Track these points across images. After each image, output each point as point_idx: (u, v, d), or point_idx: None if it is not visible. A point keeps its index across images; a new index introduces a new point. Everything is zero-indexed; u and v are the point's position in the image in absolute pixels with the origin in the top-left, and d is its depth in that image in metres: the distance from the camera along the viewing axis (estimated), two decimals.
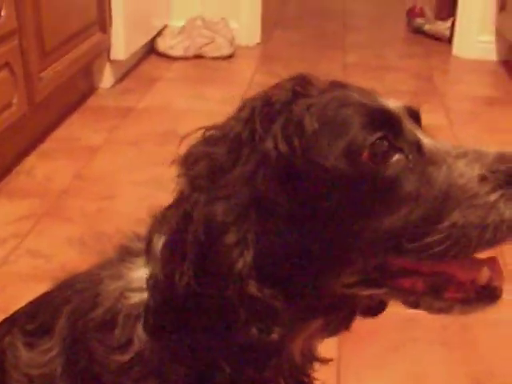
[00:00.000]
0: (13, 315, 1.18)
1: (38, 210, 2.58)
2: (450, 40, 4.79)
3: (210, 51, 4.44)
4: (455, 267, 0.90)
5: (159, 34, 4.52)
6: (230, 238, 0.85)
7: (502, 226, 0.85)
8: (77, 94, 3.62)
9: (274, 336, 0.87)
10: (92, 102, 3.69)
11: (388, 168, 0.87)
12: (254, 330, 0.86)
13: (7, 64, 2.61)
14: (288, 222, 0.87)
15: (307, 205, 0.87)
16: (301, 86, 0.95)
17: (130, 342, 0.95)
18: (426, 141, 0.91)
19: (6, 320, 1.18)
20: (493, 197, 0.85)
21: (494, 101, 3.93)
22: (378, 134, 0.87)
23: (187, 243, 0.86)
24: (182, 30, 4.50)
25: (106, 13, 3.66)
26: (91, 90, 3.80)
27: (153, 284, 0.91)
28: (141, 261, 1.00)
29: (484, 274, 0.90)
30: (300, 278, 0.89)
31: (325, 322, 0.97)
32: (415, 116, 0.99)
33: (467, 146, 0.92)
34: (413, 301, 0.92)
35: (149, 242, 0.96)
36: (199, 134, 0.96)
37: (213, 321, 0.87)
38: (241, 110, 0.95)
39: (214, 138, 0.94)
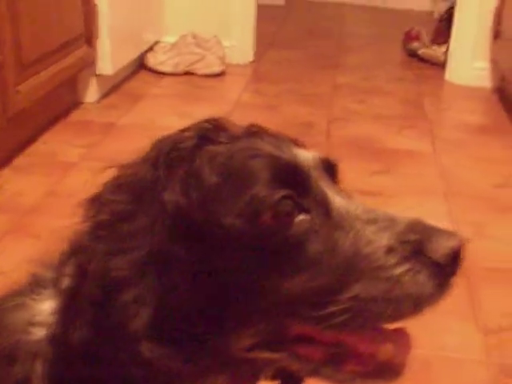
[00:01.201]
0: None
1: (3, 226, 2.54)
2: (444, 65, 4.75)
3: (200, 68, 4.41)
4: (356, 339, 0.86)
5: (150, 49, 4.50)
6: (127, 295, 0.81)
7: (405, 302, 0.81)
8: (60, 107, 3.59)
9: None
10: (75, 116, 3.66)
11: (290, 229, 0.83)
12: None
13: None
14: (186, 280, 0.83)
15: (205, 262, 0.83)
16: (211, 130, 0.91)
17: (27, 380, 0.91)
18: (336, 200, 0.87)
19: None
20: (398, 270, 0.81)
21: (484, 129, 3.88)
22: (282, 193, 0.83)
23: (82, 299, 0.83)
24: (174, 46, 4.47)
25: (93, 26, 3.62)
26: (76, 104, 3.76)
27: (51, 337, 0.88)
28: (49, 292, 0.96)
29: (385, 349, 0.86)
30: (198, 338, 0.85)
31: (230, 377, 0.92)
32: (331, 170, 0.95)
33: (380, 211, 0.87)
34: (312, 369, 0.88)
35: (58, 275, 0.92)
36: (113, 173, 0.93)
37: (107, 379, 0.83)
38: (151, 150, 0.91)
39: (121, 182, 0.90)
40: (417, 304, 0.82)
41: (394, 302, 0.81)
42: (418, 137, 3.65)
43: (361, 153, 3.41)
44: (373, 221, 0.85)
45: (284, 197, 0.83)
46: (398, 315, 0.82)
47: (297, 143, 0.96)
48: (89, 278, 0.82)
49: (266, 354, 0.88)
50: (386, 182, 3.11)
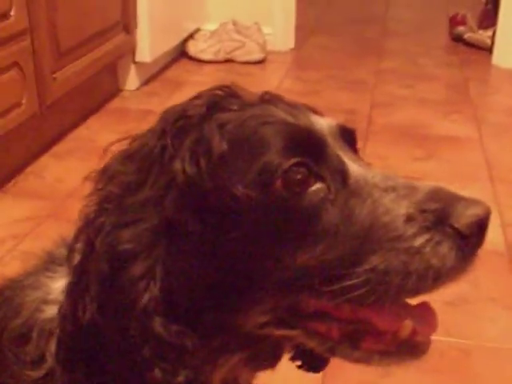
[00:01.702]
0: None
1: (42, 211, 2.55)
2: (490, 49, 4.63)
3: (240, 56, 4.37)
4: (375, 314, 0.81)
5: (191, 37, 4.47)
6: (136, 269, 0.78)
7: (425, 274, 0.76)
8: (100, 95, 3.59)
9: (180, 379, 0.79)
10: (115, 103, 3.66)
11: (304, 198, 0.78)
12: (157, 372, 0.79)
13: (16, 64, 2.58)
14: (197, 252, 0.79)
15: (216, 233, 0.79)
16: (223, 97, 0.87)
17: (42, 358, 0.90)
18: (353, 168, 0.82)
19: None
20: (418, 241, 0.76)
21: None
22: (295, 160, 0.79)
23: (89, 275, 0.80)
24: (214, 33, 4.44)
25: (131, 13, 3.61)
26: (116, 91, 3.77)
27: (61, 315, 0.86)
28: (63, 270, 0.94)
29: (406, 326, 0.81)
30: (210, 315, 0.81)
31: (246, 357, 0.88)
32: (349, 137, 0.90)
33: (400, 179, 0.82)
34: (329, 347, 0.84)
35: (70, 251, 0.90)
36: (121, 145, 0.89)
37: (115, 358, 0.80)
38: (159, 120, 0.88)
39: (129, 153, 0.87)
40: (438, 277, 0.76)
41: (413, 275, 0.75)
42: (464, 122, 3.56)
43: (404, 139, 3.34)
44: (392, 189, 0.80)
45: (297, 164, 0.78)
46: (419, 289, 0.77)
47: (314, 111, 0.91)
48: (96, 253, 0.79)
49: (281, 331, 0.84)
50: (429, 167, 3.04)
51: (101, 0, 3.33)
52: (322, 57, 4.62)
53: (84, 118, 3.39)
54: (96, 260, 0.79)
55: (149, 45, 3.75)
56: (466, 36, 4.93)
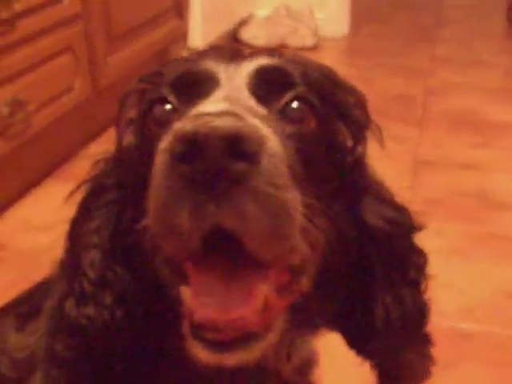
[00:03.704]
0: (9, 302, 1.18)
1: None
2: None
3: (293, 41, 4.32)
4: None
5: (243, 22, 4.44)
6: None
7: None
8: None
9: None
10: None
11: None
12: None
13: (69, 48, 2.59)
14: None
15: None
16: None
17: None
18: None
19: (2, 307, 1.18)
20: None
21: None
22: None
23: None
24: (267, 19, 4.40)
25: None
26: None
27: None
28: None
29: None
30: None
31: None
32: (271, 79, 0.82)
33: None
34: None
35: None
36: None
37: None
38: None
39: None
40: None
41: None
42: None
43: (460, 126, 3.26)
44: None
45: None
46: None
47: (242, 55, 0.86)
48: None
49: None
50: (485, 155, 2.96)
51: None
52: (376, 43, 4.55)
53: None
54: None
55: (201, 30, 3.73)
56: None
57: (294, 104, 0.80)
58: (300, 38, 4.31)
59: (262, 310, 0.71)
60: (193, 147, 0.63)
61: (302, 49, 4.30)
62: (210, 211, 0.64)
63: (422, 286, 0.92)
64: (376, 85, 3.75)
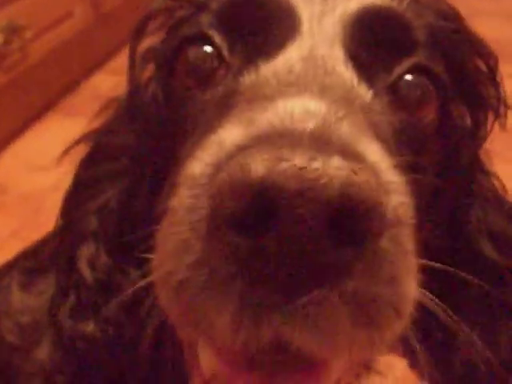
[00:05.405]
0: (16, 255, 1.09)
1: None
2: None
3: None
4: None
5: None
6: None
7: None
8: None
9: None
10: None
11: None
12: None
13: None
14: None
15: None
16: None
17: None
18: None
19: (7, 262, 1.10)
20: None
21: None
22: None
23: None
24: None
25: None
26: None
27: None
28: None
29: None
30: None
31: None
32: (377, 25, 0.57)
33: None
34: None
35: None
36: None
37: None
38: None
39: None
40: None
41: None
42: None
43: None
44: None
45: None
46: None
47: None
48: None
49: None
50: None
51: None
52: None
53: None
54: None
55: None
56: None
57: (412, 78, 0.55)
58: None
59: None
60: (264, 210, 0.35)
61: None
62: (272, 321, 0.38)
63: None
64: None
